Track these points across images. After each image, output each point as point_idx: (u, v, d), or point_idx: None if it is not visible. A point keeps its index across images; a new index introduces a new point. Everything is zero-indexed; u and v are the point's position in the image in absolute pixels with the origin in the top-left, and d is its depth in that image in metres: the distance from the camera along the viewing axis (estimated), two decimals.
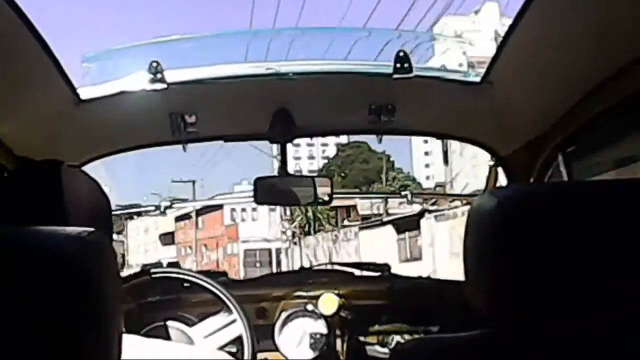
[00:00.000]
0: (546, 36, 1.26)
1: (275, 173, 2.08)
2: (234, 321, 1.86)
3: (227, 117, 1.88)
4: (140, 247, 39.31)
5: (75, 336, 0.57)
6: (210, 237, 33.34)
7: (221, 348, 1.86)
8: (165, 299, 2.04)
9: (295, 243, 25.59)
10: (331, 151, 50.02)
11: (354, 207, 25.59)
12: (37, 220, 0.86)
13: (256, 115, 1.82)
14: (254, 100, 1.75)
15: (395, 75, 1.54)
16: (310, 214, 24.63)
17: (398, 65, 1.53)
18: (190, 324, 1.92)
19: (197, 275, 1.94)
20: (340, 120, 1.94)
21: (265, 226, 30.17)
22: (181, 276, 1.94)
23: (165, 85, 1.55)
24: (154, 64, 1.53)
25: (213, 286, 1.89)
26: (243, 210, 34.10)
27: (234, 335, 1.86)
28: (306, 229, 25.31)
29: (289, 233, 26.03)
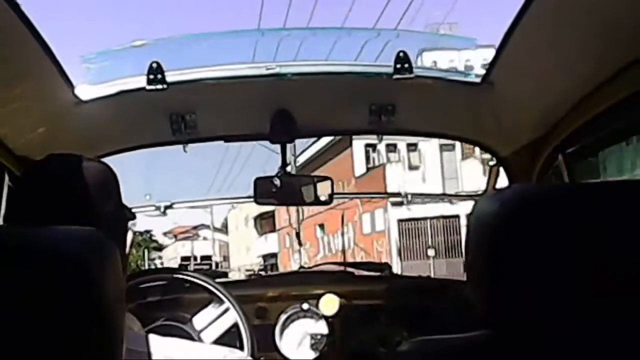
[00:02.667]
0: (546, 37, 1.26)
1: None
2: (226, 310, 1.86)
3: (228, 118, 1.88)
4: (241, 243, 31.48)
5: (76, 335, 0.57)
6: (330, 209, 13.76)
7: (218, 339, 1.86)
8: (165, 299, 2.04)
9: None
10: None
11: None
12: (58, 214, 0.85)
13: (257, 115, 1.82)
14: (254, 100, 1.75)
15: (396, 76, 1.54)
16: None
17: (398, 65, 1.53)
18: (186, 321, 1.92)
19: (194, 274, 1.95)
20: (341, 120, 1.94)
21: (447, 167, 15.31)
22: (180, 276, 1.95)
23: (165, 86, 1.55)
24: (154, 65, 1.54)
25: (209, 284, 1.89)
26: (391, 146, 16.68)
27: (228, 325, 1.87)
28: None
29: None
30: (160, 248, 41.43)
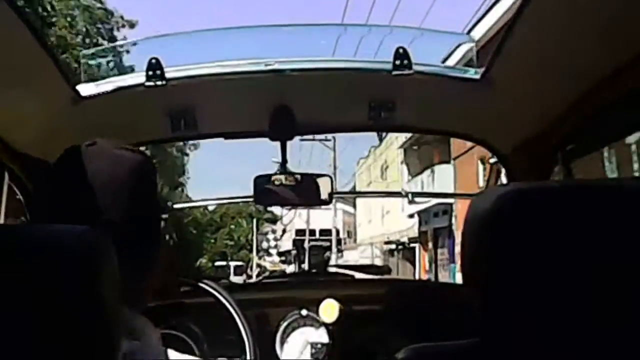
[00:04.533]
0: (546, 33, 1.26)
1: None
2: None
3: (227, 115, 1.87)
4: (374, 207, 23.05)
5: (74, 334, 0.57)
6: None
7: (219, 348, 1.84)
8: (165, 305, 2.02)
9: None
10: None
11: None
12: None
13: (256, 112, 1.82)
14: (253, 97, 1.74)
15: (395, 72, 1.53)
16: None
17: (398, 61, 1.52)
18: (193, 335, 1.89)
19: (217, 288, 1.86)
20: (340, 117, 1.94)
21: None
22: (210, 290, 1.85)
23: (164, 82, 1.54)
24: (153, 61, 1.53)
25: (228, 301, 1.84)
26: None
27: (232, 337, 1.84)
28: None
29: None
30: (274, 220, 34.88)
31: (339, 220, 25.57)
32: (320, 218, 25.26)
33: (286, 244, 30.14)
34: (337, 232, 25.26)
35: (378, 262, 22.15)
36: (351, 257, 25.28)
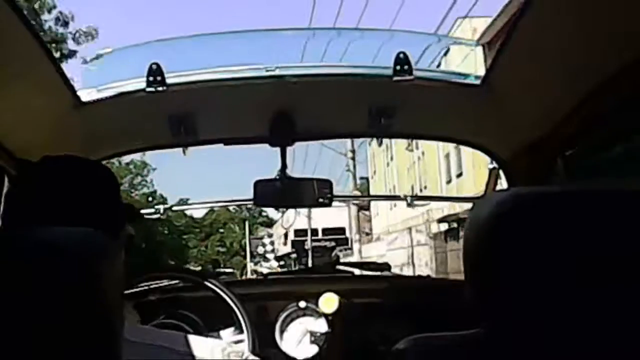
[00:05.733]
0: (546, 38, 1.26)
1: None
2: (241, 341, 1.83)
3: (227, 120, 1.87)
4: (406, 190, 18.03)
5: (76, 333, 0.58)
6: None
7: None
8: (165, 298, 2.03)
9: None
10: None
11: None
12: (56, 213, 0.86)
13: (256, 117, 1.82)
14: (253, 102, 1.74)
15: (396, 78, 1.53)
16: None
17: (398, 67, 1.52)
18: (195, 326, 1.90)
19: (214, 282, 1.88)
20: (341, 123, 1.94)
21: None
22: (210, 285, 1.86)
23: (164, 87, 1.54)
24: (154, 66, 1.53)
25: (232, 299, 1.85)
26: None
27: (237, 354, 1.84)
28: None
29: None
30: (270, 223, 33.18)
31: (344, 217, 22.35)
32: (322, 216, 22.44)
33: (284, 248, 28.38)
34: (343, 230, 23.03)
35: (425, 252, 16.57)
36: (374, 252, 20.45)
